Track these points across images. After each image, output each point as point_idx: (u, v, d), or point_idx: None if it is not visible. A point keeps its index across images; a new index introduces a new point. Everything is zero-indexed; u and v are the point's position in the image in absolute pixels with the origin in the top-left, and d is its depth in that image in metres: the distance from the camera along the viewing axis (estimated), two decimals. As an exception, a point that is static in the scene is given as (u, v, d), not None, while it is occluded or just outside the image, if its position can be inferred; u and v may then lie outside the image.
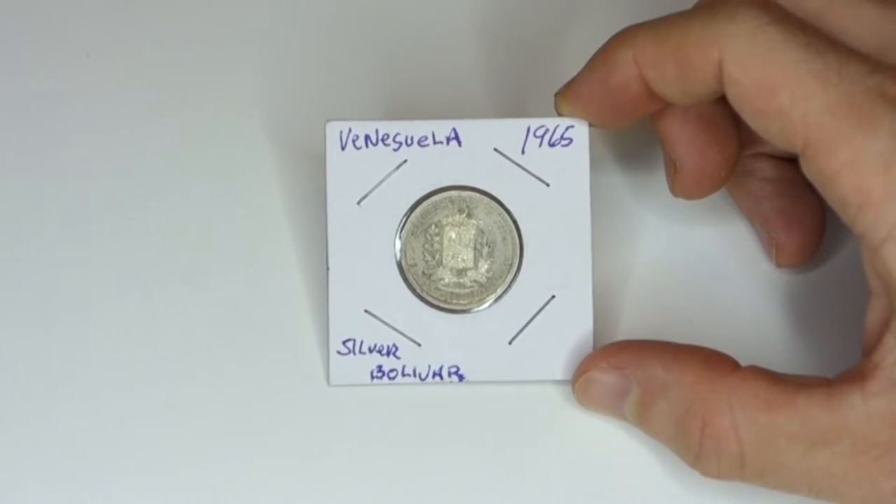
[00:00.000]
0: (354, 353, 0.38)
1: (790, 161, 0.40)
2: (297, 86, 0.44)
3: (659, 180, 0.40)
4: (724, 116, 0.37)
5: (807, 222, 0.40)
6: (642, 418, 0.37)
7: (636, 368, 0.36)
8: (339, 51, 0.44)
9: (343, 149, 0.39)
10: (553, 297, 0.38)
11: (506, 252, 0.39)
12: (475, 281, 0.39)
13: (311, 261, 0.41)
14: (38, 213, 0.42)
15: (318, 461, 0.39)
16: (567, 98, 0.38)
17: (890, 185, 0.32)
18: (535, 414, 0.39)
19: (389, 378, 0.38)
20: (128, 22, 0.44)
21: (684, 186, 0.38)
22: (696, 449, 0.35)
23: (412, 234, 0.39)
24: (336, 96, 0.43)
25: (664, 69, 0.35)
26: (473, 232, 0.39)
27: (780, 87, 0.33)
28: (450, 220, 0.39)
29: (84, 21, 0.44)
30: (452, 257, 0.39)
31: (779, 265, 0.40)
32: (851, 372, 0.33)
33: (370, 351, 0.38)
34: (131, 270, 0.41)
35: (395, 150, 0.38)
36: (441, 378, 0.39)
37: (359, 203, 0.39)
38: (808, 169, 0.33)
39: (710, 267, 0.41)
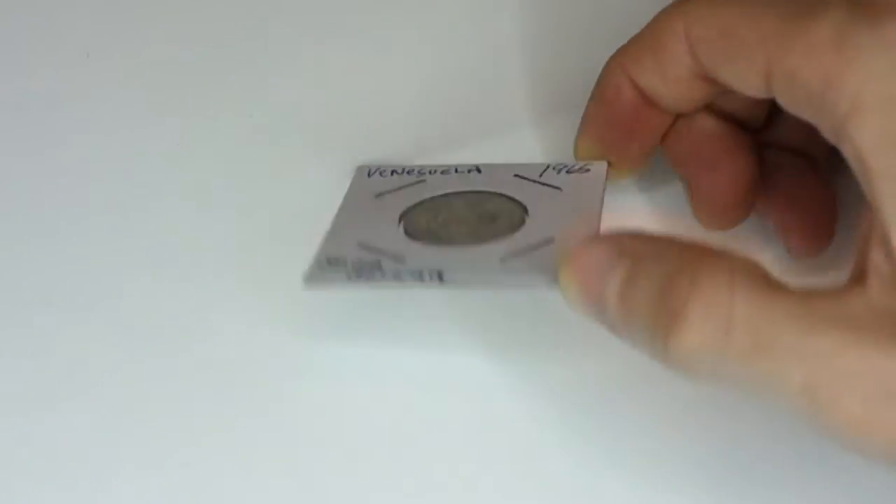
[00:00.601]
0: (337, 266, 0.37)
1: (805, 156, 0.40)
2: (298, 86, 0.44)
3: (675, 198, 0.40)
4: (729, 132, 0.38)
5: (818, 211, 0.40)
6: (623, 296, 0.33)
7: (635, 241, 0.33)
8: (340, 51, 0.44)
9: (369, 176, 0.40)
10: (553, 237, 0.37)
11: (511, 219, 0.38)
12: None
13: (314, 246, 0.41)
14: (38, 213, 0.42)
15: (319, 458, 0.39)
16: (579, 131, 0.39)
17: (845, 60, 0.32)
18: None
19: (367, 280, 0.36)
20: (128, 22, 0.45)
21: (706, 208, 0.39)
22: (676, 312, 0.31)
23: (420, 206, 0.39)
24: (337, 95, 0.43)
25: (643, 61, 0.37)
26: (481, 211, 0.39)
27: (736, 25, 0.34)
28: (459, 207, 0.39)
29: (84, 21, 0.44)
30: (456, 225, 0.38)
31: (792, 256, 0.40)
32: (851, 274, 0.32)
33: (354, 268, 0.37)
34: (131, 270, 0.41)
35: (418, 173, 0.40)
36: (421, 280, 0.36)
37: (377, 197, 0.39)
38: (777, 87, 0.34)
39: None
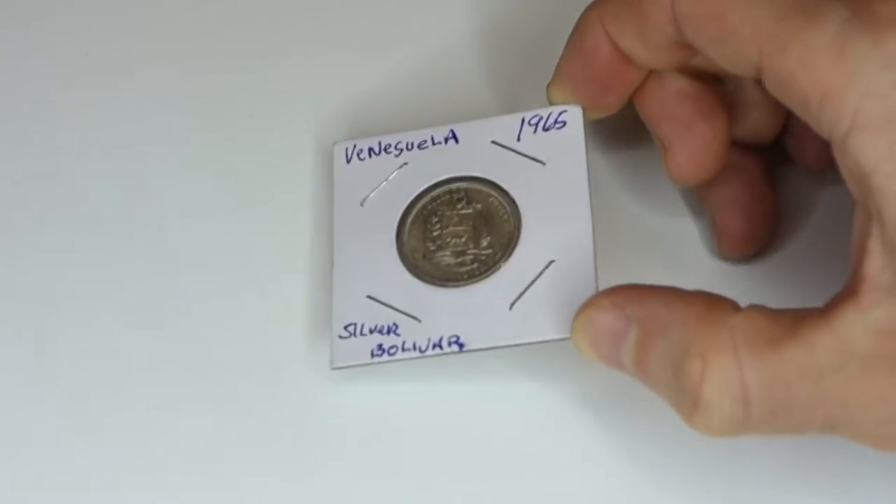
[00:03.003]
0: (355, 335, 0.38)
1: (754, 149, 0.40)
2: (297, 85, 0.44)
3: (650, 162, 0.40)
4: (704, 91, 0.38)
5: (755, 214, 0.40)
6: (639, 362, 0.35)
7: (637, 306, 0.35)
8: (339, 45, 0.44)
9: (348, 162, 0.40)
10: (553, 261, 0.38)
11: (505, 228, 0.39)
12: (475, 258, 0.39)
13: (314, 252, 0.41)
14: (38, 213, 0.42)
15: (322, 453, 0.39)
16: (553, 81, 0.39)
17: (844, 73, 0.31)
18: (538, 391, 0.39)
19: (389, 354, 0.38)
20: (128, 22, 0.45)
21: (679, 168, 0.38)
22: (694, 395, 0.33)
23: (413, 224, 0.39)
24: (336, 92, 0.43)
25: (623, 22, 0.36)
26: (472, 215, 0.39)
27: (729, 9, 0.33)
28: (449, 208, 0.39)
29: (84, 21, 0.44)
30: (452, 238, 0.39)
31: (721, 255, 0.40)
32: (843, 291, 0.32)
33: (371, 332, 0.38)
34: (131, 269, 0.41)
35: (396, 155, 0.40)
36: (441, 349, 0.38)
37: (361, 204, 0.40)
38: (769, 82, 0.33)
39: (705, 249, 0.41)
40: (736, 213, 0.39)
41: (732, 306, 0.34)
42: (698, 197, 0.41)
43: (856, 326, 0.31)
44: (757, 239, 0.40)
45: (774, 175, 0.41)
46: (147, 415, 0.39)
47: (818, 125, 0.32)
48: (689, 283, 0.40)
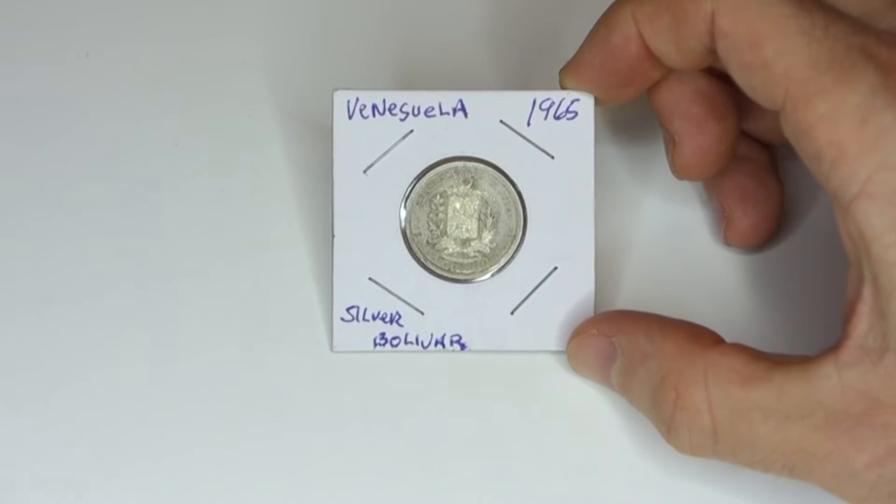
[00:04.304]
0: (358, 320, 0.39)
1: (763, 145, 0.40)
2: (297, 81, 0.44)
3: (660, 154, 0.40)
4: (720, 92, 0.38)
5: (763, 205, 0.40)
6: (625, 386, 0.37)
7: (622, 336, 0.37)
8: (341, 30, 0.44)
9: (350, 118, 0.39)
10: (555, 268, 0.39)
11: (509, 223, 0.39)
12: (479, 251, 0.39)
13: (314, 244, 0.41)
14: (38, 213, 0.42)
15: (322, 429, 0.39)
16: (570, 68, 0.38)
17: (864, 140, 0.32)
18: (533, 383, 0.39)
19: (392, 345, 0.39)
20: (128, 22, 0.45)
21: (684, 163, 0.38)
22: (668, 421, 0.35)
23: (417, 204, 0.39)
24: (339, 81, 0.43)
25: (660, 23, 0.36)
26: (478, 203, 0.39)
27: (767, 39, 0.33)
28: (454, 190, 0.39)
29: (84, 21, 0.45)
30: (456, 227, 0.39)
31: (727, 243, 0.41)
32: (829, 346, 0.33)
33: (373, 318, 0.39)
34: (131, 270, 0.41)
35: (401, 119, 0.39)
36: (443, 346, 0.39)
37: (365, 172, 0.39)
38: (786, 124, 0.33)
39: (710, 240, 0.41)
40: (744, 202, 0.40)
41: (713, 339, 0.35)
42: (707, 185, 0.41)
43: (830, 380, 0.33)
44: (763, 229, 0.40)
45: (782, 168, 0.41)
46: (147, 400, 0.40)
47: (825, 181, 0.33)
48: (694, 272, 0.40)
